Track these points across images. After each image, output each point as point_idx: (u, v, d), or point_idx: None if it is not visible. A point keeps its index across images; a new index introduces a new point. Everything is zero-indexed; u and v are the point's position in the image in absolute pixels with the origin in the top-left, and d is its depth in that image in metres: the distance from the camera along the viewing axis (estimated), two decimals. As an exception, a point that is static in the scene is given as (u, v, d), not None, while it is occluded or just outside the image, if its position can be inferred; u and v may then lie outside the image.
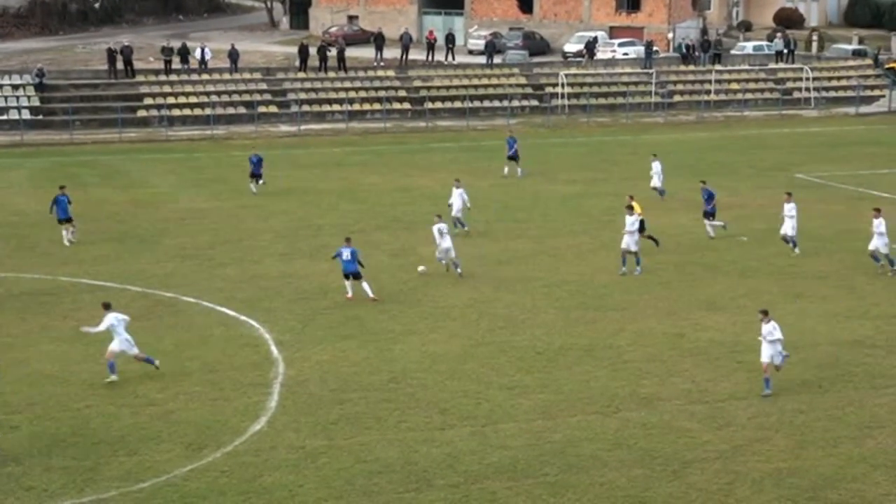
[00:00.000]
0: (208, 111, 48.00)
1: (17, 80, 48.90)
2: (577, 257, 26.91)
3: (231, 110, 49.29)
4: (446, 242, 24.08)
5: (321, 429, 17.30)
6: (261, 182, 34.74)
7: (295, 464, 16.39)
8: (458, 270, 24.60)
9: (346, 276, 22.60)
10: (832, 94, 55.56)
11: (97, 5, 72.30)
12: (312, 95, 51.27)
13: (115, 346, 18.67)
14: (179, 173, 39.53)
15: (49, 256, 27.98)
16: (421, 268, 25.04)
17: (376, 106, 50.31)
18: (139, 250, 28.39)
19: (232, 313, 23.28)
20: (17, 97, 47.61)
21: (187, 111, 48.55)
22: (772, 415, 16.87)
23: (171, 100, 49.13)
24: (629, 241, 24.93)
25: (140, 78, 50.59)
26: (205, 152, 44.04)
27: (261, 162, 35.00)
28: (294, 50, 55.03)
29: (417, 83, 52.99)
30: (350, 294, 22.94)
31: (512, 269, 25.85)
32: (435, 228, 24.41)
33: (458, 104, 50.93)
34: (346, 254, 22.46)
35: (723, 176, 36.14)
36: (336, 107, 50.29)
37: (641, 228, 25.93)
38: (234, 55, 51.73)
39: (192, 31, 69.35)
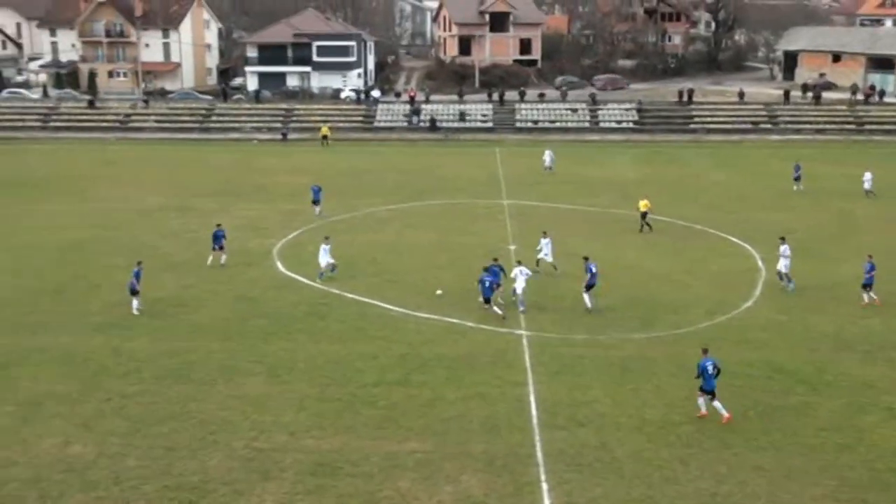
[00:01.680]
0: (728, 126, 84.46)
1: (626, 105, 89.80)
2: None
3: (739, 125, 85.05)
4: None
5: (783, 309, 31.33)
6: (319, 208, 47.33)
7: (767, 328, 29.33)
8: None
9: None
10: None
11: (672, 65, 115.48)
12: (794, 117, 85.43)
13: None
14: (710, 159, 72.20)
15: (637, 202, 57.42)
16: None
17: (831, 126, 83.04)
18: (680, 203, 61.10)
19: (734, 240, 42.42)
20: (627, 115, 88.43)
21: (715, 125, 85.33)
22: None
23: (716, 115, 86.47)
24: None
25: (693, 105, 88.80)
26: (726, 149, 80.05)
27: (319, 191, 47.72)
28: (781, 92, 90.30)
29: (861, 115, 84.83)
30: None
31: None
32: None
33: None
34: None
35: None
36: (807, 126, 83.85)
37: None
38: (741, 94, 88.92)
39: (725, 80, 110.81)
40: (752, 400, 24.53)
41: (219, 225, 39.18)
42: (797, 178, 55.43)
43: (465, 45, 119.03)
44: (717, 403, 23.23)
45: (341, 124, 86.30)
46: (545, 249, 36.45)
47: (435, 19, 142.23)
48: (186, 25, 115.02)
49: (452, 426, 22.97)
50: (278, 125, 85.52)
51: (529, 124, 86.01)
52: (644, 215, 44.62)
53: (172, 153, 73.80)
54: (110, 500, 19.59)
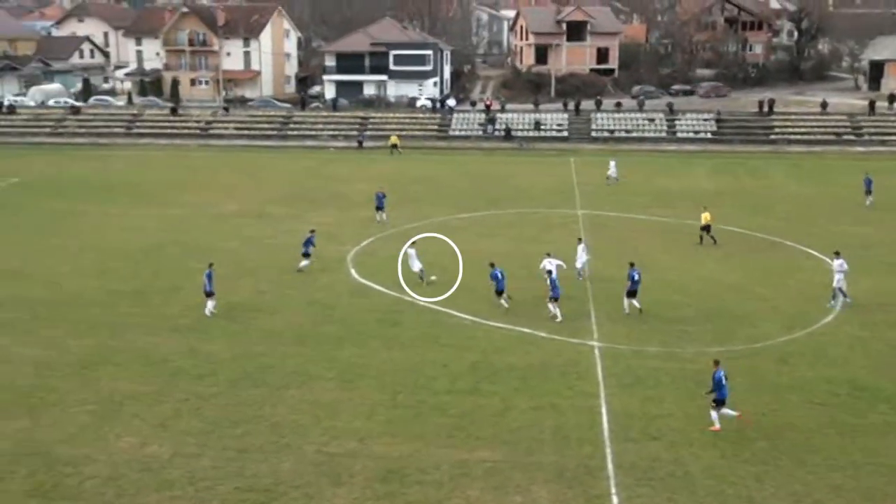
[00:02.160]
0: (809, 137, 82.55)
1: (704, 116, 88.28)
2: None
3: (822, 137, 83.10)
4: None
5: (865, 325, 30.42)
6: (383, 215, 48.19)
7: (848, 344, 28.37)
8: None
9: None
10: None
11: (753, 75, 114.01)
12: (879, 128, 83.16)
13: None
14: (791, 171, 72.60)
15: (712, 213, 59.61)
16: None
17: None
18: (758, 214, 60.29)
19: (814, 252, 40.97)
20: (705, 125, 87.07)
21: (796, 136, 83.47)
22: None
23: (798, 126, 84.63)
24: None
25: (773, 116, 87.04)
26: (808, 160, 78.29)
27: (383, 197, 48.78)
28: (866, 102, 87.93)
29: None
30: None
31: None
32: None
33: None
34: None
35: None
36: (893, 137, 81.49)
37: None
38: (824, 104, 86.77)
39: (808, 90, 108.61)
40: (831, 417, 23.93)
41: (312, 231, 39.86)
42: (868, 192, 53.88)
43: (541, 54, 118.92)
44: (718, 412, 23.10)
45: (416, 133, 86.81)
46: (582, 257, 36.99)
47: (512, 28, 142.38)
48: (267, 35, 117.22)
49: (523, 436, 22.89)
50: (354, 133, 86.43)
51: (605, 134, 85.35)
52: (706, 228, 43.56)
53: (250, 160, 75.13)
54: (185, 499, 20.00)
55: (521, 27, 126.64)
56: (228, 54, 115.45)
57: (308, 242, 38.85)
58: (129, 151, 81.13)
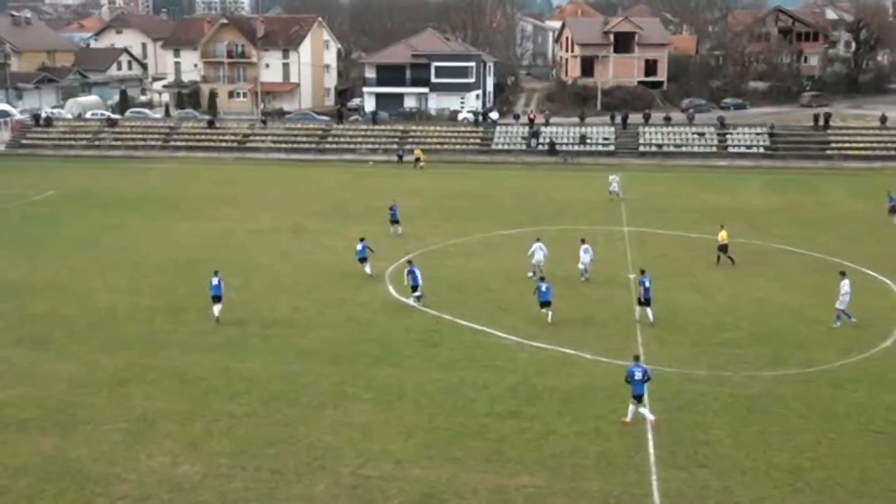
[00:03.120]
0: (868, 152, 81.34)
1: (757, 130, 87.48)
2: None
3: (881, 152, 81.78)
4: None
5: None
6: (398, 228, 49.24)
7: None
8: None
9: None
10: None
11: (808, 87, 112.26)
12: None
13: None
14: (847, 187, 68.26)
15: (766, 232, 61.81)
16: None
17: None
18: (813, 233, 57.71)
19: (872, 273, 39.95)
20: (757, 140, 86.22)
21: (854, 151, 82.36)
22: None
23: (855, 140, 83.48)
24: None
25: (829, 130, 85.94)
26: (866, 177, 77.24)
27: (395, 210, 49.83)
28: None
29: None
30: None
31: None
32: None
33: None
34: None
35: None
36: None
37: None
38: (884, 119, 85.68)
39: (866, 103, 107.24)
40: (889, 446, 23.42)
41: (362, 239, 40.72)
42: (893, 210, 53.05)
43: (587, 66, 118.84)
44: (642, 409, 24.44)
45: (458, 147, 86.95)
46: (585, 257, 39.22)
47: (557, 40, 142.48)
48: (306, 46, 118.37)
49: (565, 461, 22.68)
50: (394, 147, 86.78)
51: (653, 148, 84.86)
52: (723, 248, 42.59)
53: (288, 173, 75.72)
54: (216, 521, 20.05)
55: (567, 38, 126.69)
56: (267, 66, 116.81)
57: (364, 249, 39.98)
58: (165, 164, 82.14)
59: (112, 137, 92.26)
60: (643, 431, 24.31)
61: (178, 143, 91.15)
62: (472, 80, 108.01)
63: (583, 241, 39.82)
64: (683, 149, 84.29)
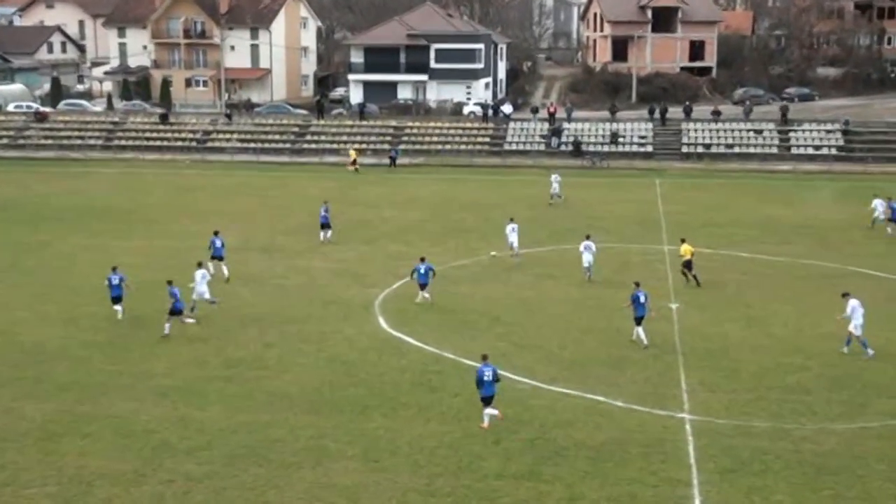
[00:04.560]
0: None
1: (828, 126, 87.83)
2: None
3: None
4: None
5: None
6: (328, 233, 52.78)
7: None
8: None
9: None
10: None
11: (893, 75, 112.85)
12: None
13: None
14: None
15: (840, 252, 51.61)
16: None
17: None
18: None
19: None
20: (828, 139, 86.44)
21: None
22: None
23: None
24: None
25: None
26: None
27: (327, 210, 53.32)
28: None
29: None
30: None
31: None
32: None
33: None
34: None
35: None
36: None
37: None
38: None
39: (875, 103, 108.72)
40: None
41: (422, 259, 41.48)
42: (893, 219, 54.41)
43: (620, 49, 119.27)
44: (487, 410, 27.88)
45: (463, 147, 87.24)
46: (587, 255, 43.94)
47: (583, 16, 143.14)
48: (279, 24, 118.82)
49: (593, 535, 22.65)
50: (386, 147, 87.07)
51: (699, 149, 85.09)
52: (687, 265, 43.42)
53: (257, 179, 75.91)
54: None
55: (595, 15, 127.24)
56: (232, 48, 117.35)
57: (429, 270, 40.66)
58: (107, 168, 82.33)
59: (41, 135, 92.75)
60: (687, 499, 24.27)
61: (124, 143, 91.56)
62: (480, 65, 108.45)
63: (587, 237, 44.26)
64: (736, 149, 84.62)
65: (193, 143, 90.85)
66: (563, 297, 41.28)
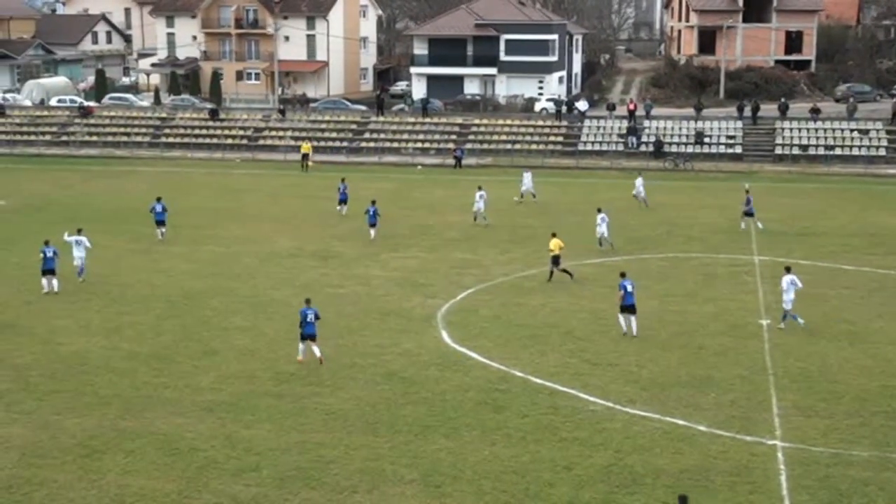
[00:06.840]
0: None
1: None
2: None
3: None
4: None
5: None
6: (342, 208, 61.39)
7: None
8: None
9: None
10: None
11: None
12: None
13: None
14: None
15: None
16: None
17: None
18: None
19: None
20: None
21: None
22: None
23: None
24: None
25: None
26: None
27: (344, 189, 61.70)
28: None
29: None
30: None
31: None
32: None
33: None
34: None
35: None
36: None
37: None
38: None
39: None
40: None
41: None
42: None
43: (707, 41, 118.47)
44: (315, 348, 34.02)
45: (534, 147, 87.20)
46: (602, 226, 50.64)
47: (667, 5, 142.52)
48: (337, 13, 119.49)
49: (673, 570, 22.53)
50: (451, 146, 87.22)
51: (795, 150, 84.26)
52: (556, 260, 45.34)
53: (312, 181, 76.38)
54: None
55: (681, 3, 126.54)
56: (287, 39, 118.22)
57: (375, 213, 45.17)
58: (154, 167, 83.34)
59: (85, 131, 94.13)
60: (779, 532, 24.06)
61: (172, 140, 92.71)
62: (553, 58, 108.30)
63: (599, 210, 51.80)
64: (837, 151, 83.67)
65: (244, 141, 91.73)
66: (642, 310, 40.99)
